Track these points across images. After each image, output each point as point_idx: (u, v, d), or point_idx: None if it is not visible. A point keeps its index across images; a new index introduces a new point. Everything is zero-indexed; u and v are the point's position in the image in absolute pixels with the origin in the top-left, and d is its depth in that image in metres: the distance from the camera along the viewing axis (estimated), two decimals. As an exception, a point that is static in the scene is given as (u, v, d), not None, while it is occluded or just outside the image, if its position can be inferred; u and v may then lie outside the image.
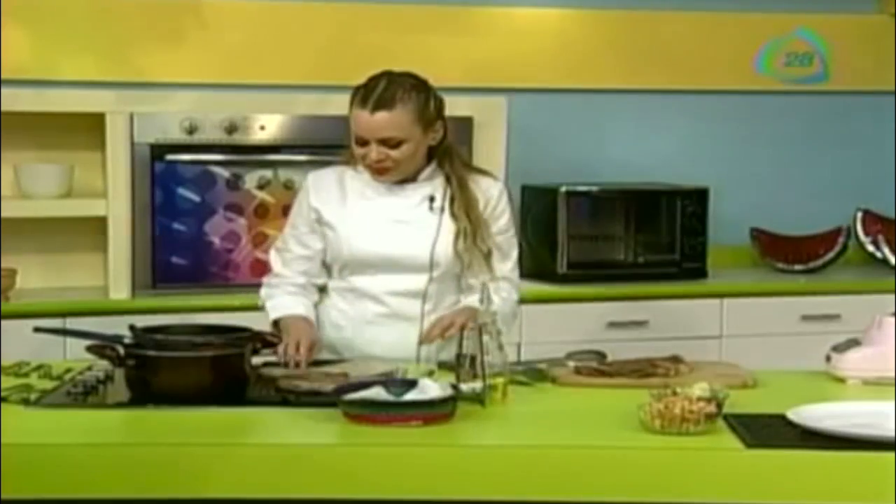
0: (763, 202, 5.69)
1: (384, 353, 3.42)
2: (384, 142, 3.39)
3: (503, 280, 3.53)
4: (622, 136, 5.59)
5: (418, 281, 3.47)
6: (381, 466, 2.60)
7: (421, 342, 3.43)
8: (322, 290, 3.58)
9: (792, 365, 3.47)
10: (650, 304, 5.10)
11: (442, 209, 3.48)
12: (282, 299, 3.53)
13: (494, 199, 3.53)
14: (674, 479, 2.56)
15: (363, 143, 3.41)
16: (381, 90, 3.39)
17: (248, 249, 4.94)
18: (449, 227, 3.47)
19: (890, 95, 5.66)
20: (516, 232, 3.65)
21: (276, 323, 3.49)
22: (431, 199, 3.49)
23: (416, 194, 3.49)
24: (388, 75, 3.43)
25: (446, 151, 3.52)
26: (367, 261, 3.47)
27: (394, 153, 3.40)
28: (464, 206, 3.47)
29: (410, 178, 3.49)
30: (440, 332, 3.39)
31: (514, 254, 3.60)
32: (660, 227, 5.34)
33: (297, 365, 3.27)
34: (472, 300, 3.43)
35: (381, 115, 3.37)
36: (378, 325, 3.48)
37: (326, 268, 3.57)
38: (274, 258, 3.62)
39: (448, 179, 3.50)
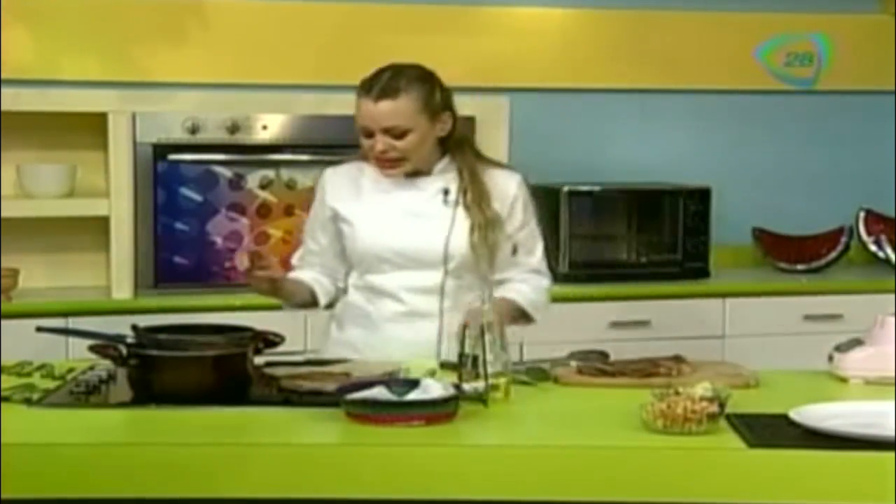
0: (765, 202, 5.69)
1: (404, 352, 3.36)
2: (389, 132, 3.38)
3: (530, 272, 3.54)
4: (624, 136, 5.59)
5: (434, 277, 3.45)
6: (383, 466, 2.60)
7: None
8: (343, 290, 3.58)
9: (794, 365, 3.47)
10: (652, 303, 5.10)
11: (456, 202, 3.46)
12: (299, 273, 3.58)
13: (512, 196, 3.51)
14: (676, 479, 2.55)
15: (369, 134, 3.40)
16: (385, 80, 3.39)
17: (251, 249, 4.94)
18: (463, 220, 3.45)
19: (890, 95, 5.66)
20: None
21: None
22: (446, 191, 3.47)
23: (430, 187, 3.48)
24: (394, 67, 3.43)
25: (459, 143, 3.51)
26: (381, 256, 3.46)
27: (399, 143, 3.39)
28: (476, 200, 3.45)
29: (425, 172, 3.48)
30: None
31: (538, 249, 3.59)
32: (662, 226, 5.34)
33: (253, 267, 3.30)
34: (504, 292, 3.50)
35: (385, 104, 3.37)
36: (397, 322, 3.46)
37: (347, 265, 3.56)
38: (295, 254, 3.66)
39: (460, 172, 3.48)
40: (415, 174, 3.48)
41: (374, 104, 3.37)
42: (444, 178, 3.49)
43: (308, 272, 3.58)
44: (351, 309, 3.55)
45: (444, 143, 3.49)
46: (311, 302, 3.57)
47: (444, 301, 3.47)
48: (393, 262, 3.46)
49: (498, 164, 3.61)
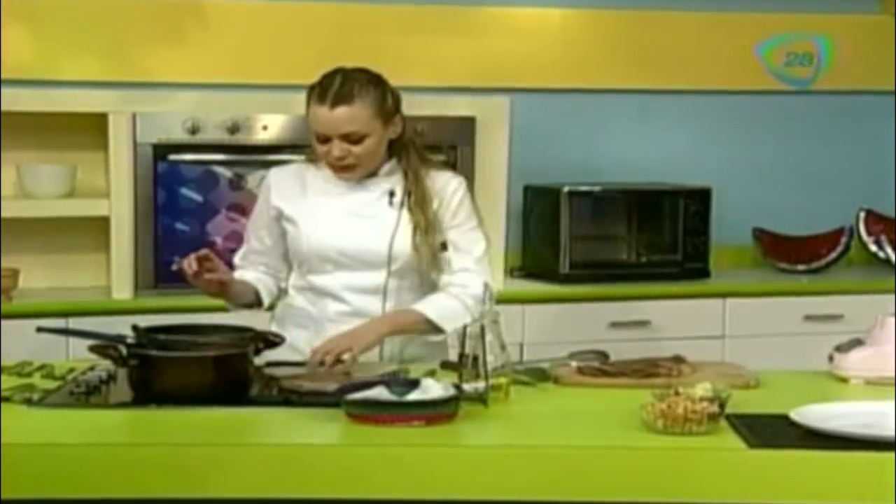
0: (765, 202, 5.69)
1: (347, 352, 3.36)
2: (346, 137, 3.37)
3: (461, 272, 3.46)
4: (625, 136, 5.59)
5: (377, 277, 3.45)
6: (383, 466, 2.60)
7: (309, 362, 3.30)
8: (284, 291, 3.59)
9: (795, 365, 3.47)
10: (652, 304, 5.11)
11: (402, 204, 3.46)
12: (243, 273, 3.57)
13: (449, 195, 3.50)
14: (676, 480, 2.55)
15: (324, 140, 3.39)
16: (338, 86, 3.38)
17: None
18: (407, 221, 3.45)
19: (890, 95, 5.66)
20: (482, 226, 3.57)
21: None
22: (391, 193, 3.47)
23: (376, 189, 3.48)
24: (343, 71, 3.43)
25: (404, 146, 3.50)
26: (325, 256, 3.46)
27: (355, 149, 3.39)
28: (419, 202, 3.45)
29: (371, 173, 3.48)
30: (324, 358, 3.26)
31: (477, 249, 3.51)
32: (662, 227, 5.34)
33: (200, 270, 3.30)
34: (420, 304, 3.43)
35: (342, 110, 3.36)
36: (340, 323, 3.43)
37: (289, 265, 3.57)
38: (238, 252, 3.65)
39: (405, 174, 3.48)
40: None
41: (330, 111, 3.36)
42: (390, 179, 3.49)
43: (251, 272, 3.58)
44: (292, 310, 3.54)
45: (391, 144, 3.49)
46: (256, 302, 3.57)
47: (386, 301, 3.46)
48: (336, 262, 3.46)
49: (441, 167, 3.62)
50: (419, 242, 3.44)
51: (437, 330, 3.43)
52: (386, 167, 3.49)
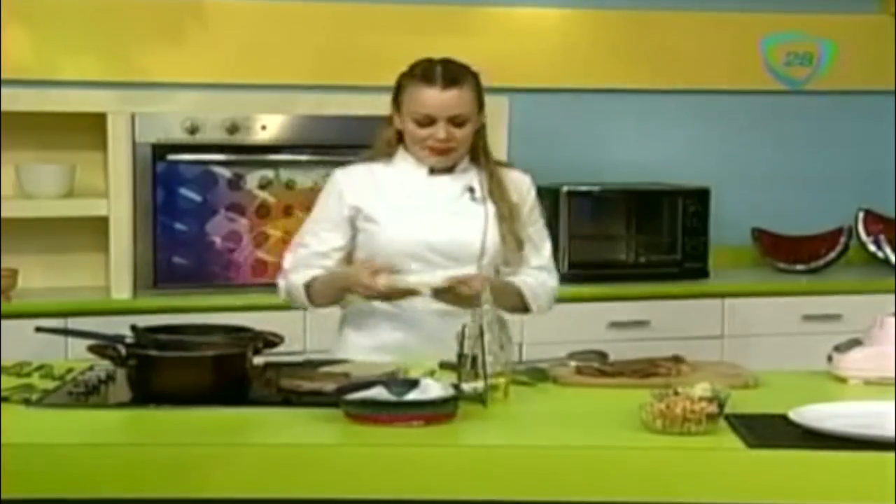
0: (764, 202, 5.69)
1: (440, 351, 3.26)
2: (451, 120, 3.38)
3: (538, 270, 3.56)
4: (624, 136, 5.59)
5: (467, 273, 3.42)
6: (382, 466, 2.59)
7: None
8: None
9: (793, 365, 3.47)
10: (652, 303, 5.11)
11: (483, 198, 3.47)
12: (305, 272, 3.47)
13: (525, 192, 3.55)
14: (675, 480, 2.55)
15: (427, 123, 3.38)
16: (442, 70, 3.39)
17: (250, 249, 4.94)
18: (493, 215, 3.47)
19: (890, 95, 5.66)
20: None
21: (307, 290, 3.44)
22: (471, 189, 3.48)
23: (455, 185, 3.48)
24: (441, 59, 3.43)
25: (480, 139, 3.51)
26: (413, 253, 3.41)
27: (458, 132, 3.40)
28: (500, 194, 3.48)
29: (447, 168, 3.47)
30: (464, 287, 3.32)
31: (548, 245, 3.63)
32: (661, 227, 5.34)
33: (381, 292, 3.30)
34: (513, 279, 3.52)
35: (453, 92, 3.37)
36: (434, 321, 3.38)
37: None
38: (287, 258, 3.55)
39: (485, 168, 3.49)
40: (438, 171, 3.47)
41: (440, 92, 3.36)
42: (465, 175, 3.49)
43: (314, 273, 3.48)
44: (374, 312, 3.45)
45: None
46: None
47: None
48: (425, 259, 3.42)
49: (508, 165, 3.65)
50: (505, 232, 3.47)
51: (526, 310, 3.52)
52: (463, 163, 3.49)
